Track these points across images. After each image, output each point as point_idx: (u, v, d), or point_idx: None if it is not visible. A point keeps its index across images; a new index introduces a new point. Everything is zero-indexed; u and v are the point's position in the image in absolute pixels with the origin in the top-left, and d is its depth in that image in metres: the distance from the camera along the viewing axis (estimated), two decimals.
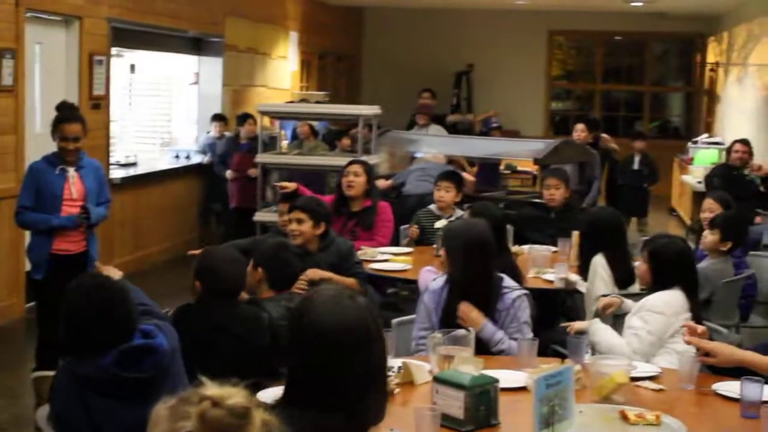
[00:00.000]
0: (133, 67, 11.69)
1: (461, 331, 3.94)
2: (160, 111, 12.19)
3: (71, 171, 5.92)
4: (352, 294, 2.53)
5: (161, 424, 1.85)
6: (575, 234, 6.17)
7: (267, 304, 4.36)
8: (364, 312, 2.49)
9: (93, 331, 3.17)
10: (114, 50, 9.79)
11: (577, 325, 4.61)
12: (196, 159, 11.67)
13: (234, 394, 1.85)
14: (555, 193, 7.21)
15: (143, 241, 10.30)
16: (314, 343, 2.44)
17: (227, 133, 11.52)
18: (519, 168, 13.32)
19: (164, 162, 11.58)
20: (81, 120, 6.03)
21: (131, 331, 3.20)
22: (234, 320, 4.06)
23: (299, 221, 5.67)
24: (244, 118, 11.23)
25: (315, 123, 11.77)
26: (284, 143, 11.33)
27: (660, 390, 3.80)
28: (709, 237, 6.07)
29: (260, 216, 9.18)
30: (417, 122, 11.43)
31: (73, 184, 5.91)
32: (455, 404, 3.31)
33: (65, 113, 6.07)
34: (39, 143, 8.15)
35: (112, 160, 9.87)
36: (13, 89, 7.92)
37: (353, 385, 2.42)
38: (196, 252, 4.56)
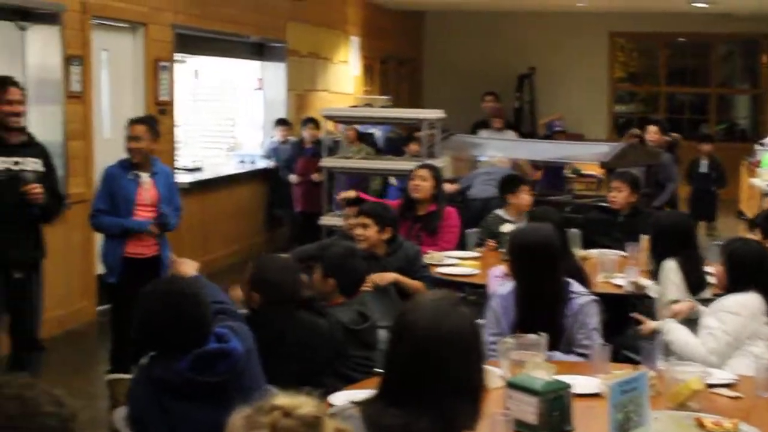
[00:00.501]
0: (196, 72, 11.80)
1: (533, 337, 3.91)
2: (225, 116, 12.30)
3: (145, 176, 6.00)
4: (455, 302, 2.57)
5: None
6: (644, 238, 6.10)
7: (338, 310, 4.38)
8: (464, 320, 2.54)
9: (167, 335, 3.20)
10: (178, 56, 9.89)
11: (651, 324, 4.56)
12: (261, 164, 11.75)
13: (305, 404, 1.86)
14: (617, 195, 7.13)
15: (210, 245, 10.39)
16: (410, 345, 2.49)
17: (291, 138, 11.58)
18: (584, 171, 13.20)
19: (230, 167, 11.68)
20: (147, 122, 6.13)
21: (205, 334, 3.23)
22: (295, 328, 4.07)
23: (364, 226, 5.70)
24: (307, 122, 11.28)
25: (372, 127, 11.84)
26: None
27: (737, 397, 3.74)
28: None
29: (326, 220, 9.20)
30: (492, 126, 11.41)
31: (146, 190, 5.99)
32: (528, 410, 3.29)
33: (134, 117, 6.22)
34: (107, 149, 8.26)
35: (177, 165, 9.97)
36: (81, 95, 8.04)
37: (443, 389, 2.47)
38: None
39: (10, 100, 5.49)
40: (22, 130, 5.62)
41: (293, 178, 10.98)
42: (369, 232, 5.67)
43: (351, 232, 5.97)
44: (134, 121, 6.18)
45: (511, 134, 11.47)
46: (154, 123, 6.24)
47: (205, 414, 3.10)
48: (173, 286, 3.37)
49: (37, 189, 5.49)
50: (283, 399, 1.87)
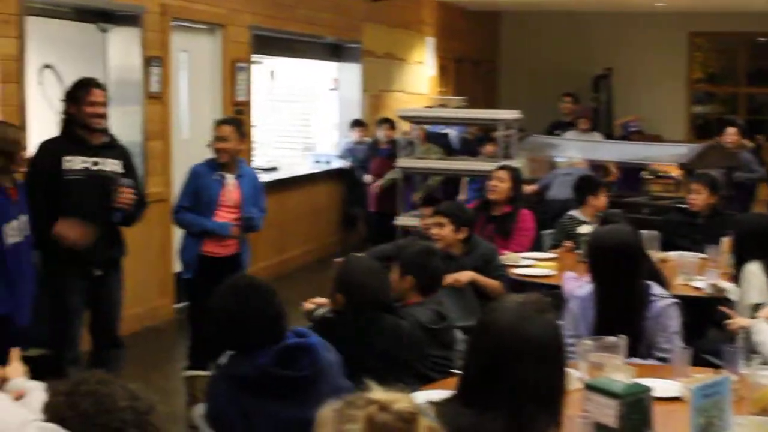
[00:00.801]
0: (272, 73, 11.89)
1: (612, 338, 3.87)
2: (300, 116, 12.37)
3: (230, 177, 6.04)
4: (540, 307, 2.55)
5: (327, 426, 1.87)
6: (724, 240, 6.00)
7: (416, 309, 4.37)
8: (546, 326, 2.52)
9: (243, 331, 3.22)
10: (255, 57, 9.97)
11: (741, 321, 4.47)
12: (337, 164, 11.80)
13: (401, 399, 1.86)
14: (697, 198, 7.04)
15: (286, 245, 10.46)
16: (489, 345, 2.48)
17: (367, 139, 11.62)
18: (661, 173, 13.03)
19: (305, 167, 11.75)
20: (234, 123, 6.17)
21: (281, 330, 3.24)
22: (376, 333, 4.06)
23: (440, 225, 5.71)
24: (382, 122, 11.30)
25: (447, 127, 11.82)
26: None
27: None
28: None
29: (401, 220, 9.21)
30: (578, 127, 11.33)
31: (230, 191, 6.03)
32: (608, 413, 3.23)
33: (221, 118, 6.27)
34: (185, 149, 8.37)
35: (253, 164, 10.05)
36: (160, 96, 8.15)
37: (520, 393, 2.44)
38: (341, 260, 4.58)
39: (93, 101, 5.55)
40: (104, 131, 5.69)
41: (368, 178, 11.00)
42: (444, 232, 5.68)
43: (427, 232, 5.97)
44: (221, 122, 6.22)
45: (597, 136, 11.38)
46: (241, 124, 6.29)
47: (286, 411, 3.10)
48: (247, 281, 3.38)
49: (129, 195, 5.56)
50: (378, 393, 1.87)
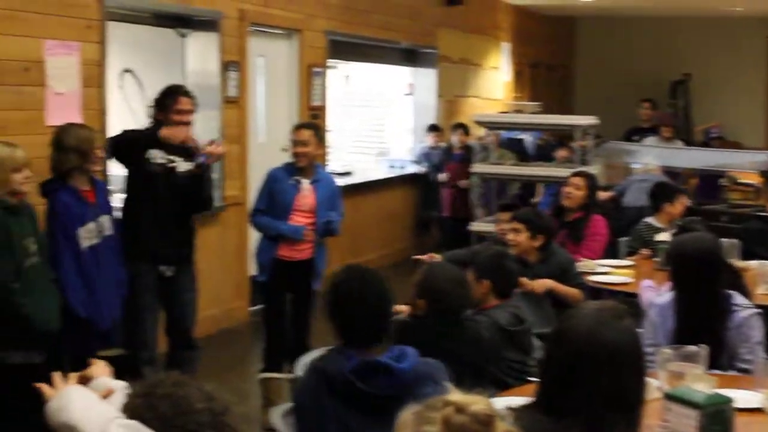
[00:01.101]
0: (347, 78, 11.95)
1: (693, 348, 3.80)
2: (375, 121, 12.41)
3: (305, 182, 6.06)
4: (618, 313, 2.52)
5: (406, 428, 1.87)
6: None
7: (495, 312, 4.36)
8: (624, 332, 2.49)
9: (347, 318, 3.23)
10: (330, 62, 10.03)
11: None
12: (411, 169, 11.80)
13: (478, 401, 1.85)
14: None
15: (359, 249, 10.48)
16: (567, 352, 2.46)
17: (442, 143, 11.61)
18: (741, 180, 12.81)
19: (379, 171, 11.78)
20: (313, 127, 6.19)
21: (380, 329, 3.21)
22: (456, 339, 4.05)
23: (516, 231, 5.68)
24: (456, 128, 11.28)
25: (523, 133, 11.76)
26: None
27: None
28: None
29: (476, 226, 9.18)
30: (661, 134, 11.22)
31: (305, 196, 6.05)
32: (688, 423, 3.19)
33: (301, 122, 6.29)
34: (262, 153, 8.44)
35: (328, 169, 10.09)
36: (237, 100, 8.22)
37: (597, 400, 2.41)
38: (423, 257, 4.57)
39: (180, 109, 5.62)
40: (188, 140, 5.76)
41: (443, 176, 10.93)
42: (520, 238, 5.64)
43: (503, 237, 5.94)
44: (300, 126, 6.21)
45: (678, 143, 11.24)
46: (319, 129, 6.31)
47: (356, 421, 3.09)
48: (374, 272, 3.36)
49: (219, 148, 5.68)
50: (456, 395, 1.87)
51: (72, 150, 5.09)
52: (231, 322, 8.16)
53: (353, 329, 3.22)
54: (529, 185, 10.50)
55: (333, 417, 3.15)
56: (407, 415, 1.90)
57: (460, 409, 1.84)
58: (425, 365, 3.25)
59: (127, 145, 5.61)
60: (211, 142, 5.66)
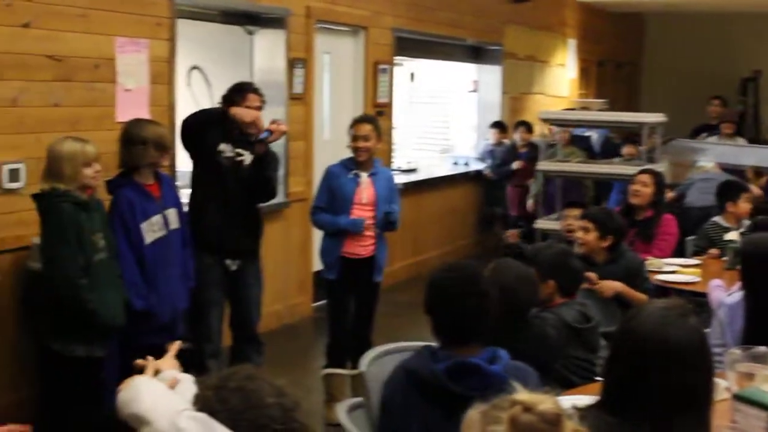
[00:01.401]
0: (412, 75, 11.95)
1: (763, 349, 3.75)
2: (439, 118, 12.40)
3: (364, 176, 6.07)
4: (683, 311, 2.49)
5: (473, 427, 1.86)
6: None
7: (562, 309, 4.34)
8: (690, 331, 2.46)
9: (445, 315, 3.19)
10: (396, 59, 10.03)
11: None
12: (475, 166, 11.77)
13: (545, 400, 1.84)
14: None
15: (421, 246, 10.49)
16: (632, 352, 2.44)
17: (506, 141, 11.56)
18: None
19: (443, 168, 11.76)
20: (372, 122, 6.18)
21: (479, 331, 3.17)
22: (523, 337, 4.04)
23: (586, 230, 5.62)
24: (519, 125, 11.22)
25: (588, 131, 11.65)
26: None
27: None
28: None
29: (541, 223, 9.12)
30: (722, 131, 11.06)
31: (365, 189, 6.05)
32: (757, 425, 3.15)
33: (360, 116, 6.29)
34: (327, 150, 8.48)
35: (393, 166, 10.12)
36: (303, 97, 8.26)
37: (663, 400, 2.38)
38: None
39: (249, 106, 5.66)
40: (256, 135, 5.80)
41: (517, 164, 10.79)
42: (589, 237, 5.59)
43: (568, 235, 5.90)
44: (362, 120, 6.19)
45: (741, 140, 11.06)
46: (378, 122, 6.31)
47: (441, 422, 3.06)
48: (466, 271, 3.28)
49: (282, 126, 5.70)
50: (523, 395, 1.86)
51: (152, 144, 5.14)
52: (294, 317, 8.21)
53: (449, 327, 3.18)
54: (603, 185, 10.39)
55: (418, 417, 3.12)
56: (474, 414, 1.89)
57: (527, 408, 1.83)
58: (517, 369, 3.20)
59: (199, 126, 5.63)
60: (274, 121, 5.69)
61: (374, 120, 6.26)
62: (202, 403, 2.23)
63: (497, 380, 3.03)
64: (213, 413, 2.18)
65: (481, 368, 3.08)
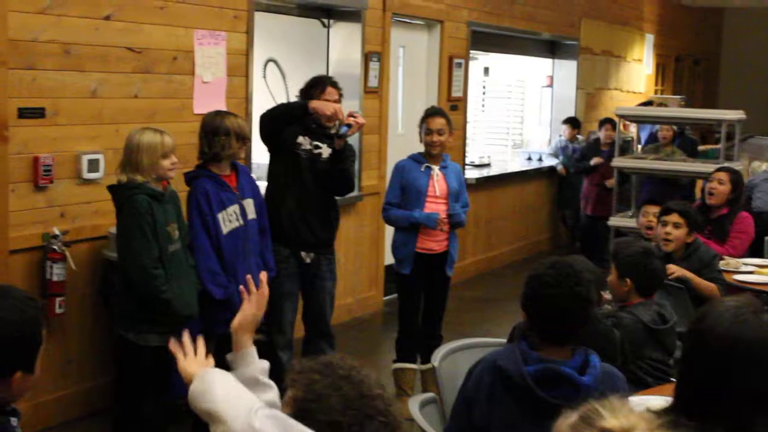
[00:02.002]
0: (486, 69, 11.90)
1: None
2: (512, 113, 12.32)
3: (436, 169, 6.05)
4: (756, 309, 2.42)
5: None
6: None
7: (638, 309, 4.29)
8: (766, 328, 2.37)
9: (539, 313, 3.11)
10: (471, 53, 9.98)
11: None
12: (548, 162, 11.67)
13: (638, 424, 1.77)
14: None
15: (493, 242, 10.44)
16: (705, 352, 2.39)
17: (580, 137, 11.44)
18: None
19: (516, 164, 11.69)
20: (446, 116, 6.16)
21: (567, 332, 3.09)
22: (587, 337, 3.98)
23: (676, 225, 5.57)
24: (603, 123, 11.05)
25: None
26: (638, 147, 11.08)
27: None
28: None
29: (614, 221, 9.02)
30: None
31: (437, 182, 6.04)
32: None
33: (431, 109, 6.26)
34: (400, 144, 8.47)
35: (467, 161, 10.08)
36: (377, 91, 8.27)
37: (740, 401, 2.33)
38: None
39: (326, 99, 5.67)
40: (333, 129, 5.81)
41: (596, 160, 10.64)
42: (679, 233, 5.56)
43: (647, 233, 5.85)
44: (435, 114, 6.14)
45: None
46: (449, 116, 6.29)
47: (525, 424, 3.02)
48: (570, 271, 3.14)
49: (361, 118, 5.69)
50: (615, 419, 1.78)
51: (234, 136, 5.18)
52: (364, 311, 8.24)
53: (545, 328, 3.10)
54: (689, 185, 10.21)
55: (501, 414, 3.08)
56: (563, 426, 1.84)
57: None
58: (608, 377, 3.13)
59: (280, 120, 5.65)
60: (352, 114, 5.68)
61: (447, 115, 6.23)
62: (307, 386, 2.17)
63: (588, 392, 2.91)
64: (321, 398, 2.13)
65: (572, 379, 3.01)
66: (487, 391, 3.11)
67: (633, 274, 4.44)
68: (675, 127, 10.53)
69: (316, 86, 5.72)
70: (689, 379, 2.46)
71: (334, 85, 5.77)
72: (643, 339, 4.21)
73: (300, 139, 5.66)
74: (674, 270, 5.38)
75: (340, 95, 5.78)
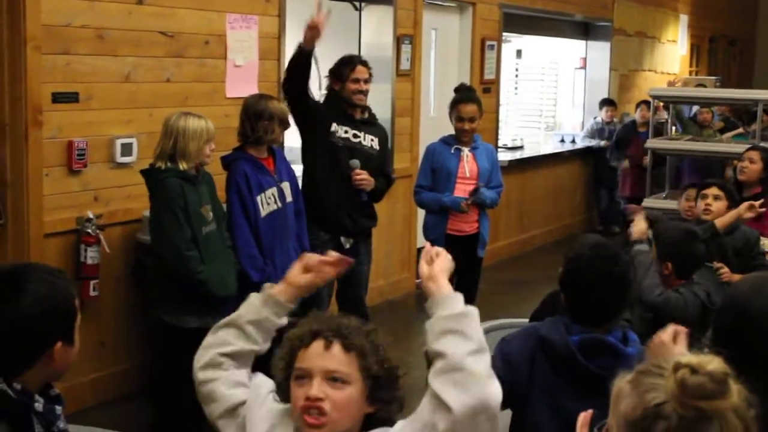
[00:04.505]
0: (519, 52, 11.85)
1: None
2: (545, 95, 12.27)
3: (466, 150, 6.06)
4: None
5: (628, 396, 1.80)
6: None
7: (694, 287, 4.36)
8: None
9: (581, 293, 3.09)
10: (504, 35, 9.94)
11: None
12: (581, 143, 11.62)
13: (711, 360, 1.78)
14: None
15: (526, 224, 10.42)
16: (734, 315, 2.42)
17: (616, 119, 11.38)
18: None
19: (549, 146, 11.65)
20: (477, 101, 6.14)
21: (613, 310, 3.10)
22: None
23: (716, 197, 5.58)
24: (640, 104, 10.98)
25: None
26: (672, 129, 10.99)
27: None
28: None
29: (648, 202, 8.96)
30: None
31: (467, 163, 6.04)
32: None
33: (463, 94, 6.21)
34: (432, 126, 8.45)
35: (499, 143, 10.05)
36: (409, 74, 8.26)
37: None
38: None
39: (357, 78, 5.67)
40: (365, 108, 5.82)
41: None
42: (718, 205, 5.55)
43: (687, 215, 5.85)
44: (466, 100, 6.13)
45: None
46: (480, 99, 6.27)
47: (565, 393, 3.01)
48: (608, 251, 3.14)
49: (363, 176, 5.67)
50: (686, 357, 1.79)
51: (277, 120, 5.19)
52: (397, 293, 8.25)
53: (584, 308, 3.08)
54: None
55: (541, 384, 3.07)
56: (623, 384, 1.83)
57: (695, 369, 1.77)
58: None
59: (293, 71, 5.49)
60: (353, 172, 5.74)
61: (478, 99, 6.22)
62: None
63: (630, 363, 2.92)
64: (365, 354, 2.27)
65: (617, 348, 3.01)
66: (529, 353, 3.09)
67: (673, 258, 4.42)
68: (713, 110, 10.44)
69: (346, 65, 5.72)
70: (718, 343, 2.47)
71: (364, 63, 5.77)
72: (697, 317, 4.21)
73: (334, 126, 5.66)
74: (725, 272, 5.32)
75: (370, 74, 5.78)
